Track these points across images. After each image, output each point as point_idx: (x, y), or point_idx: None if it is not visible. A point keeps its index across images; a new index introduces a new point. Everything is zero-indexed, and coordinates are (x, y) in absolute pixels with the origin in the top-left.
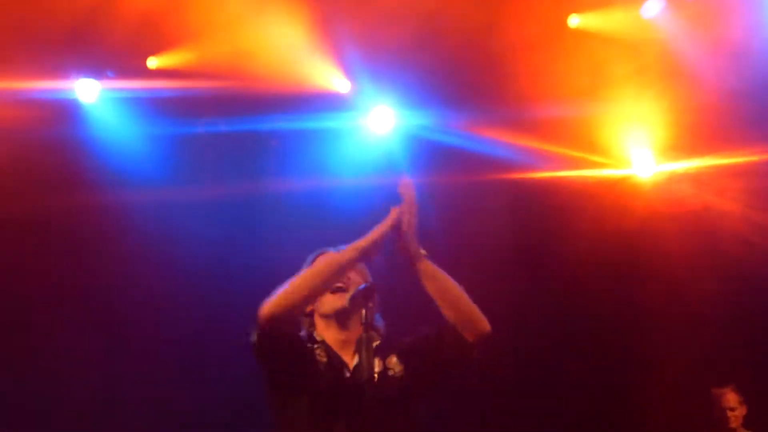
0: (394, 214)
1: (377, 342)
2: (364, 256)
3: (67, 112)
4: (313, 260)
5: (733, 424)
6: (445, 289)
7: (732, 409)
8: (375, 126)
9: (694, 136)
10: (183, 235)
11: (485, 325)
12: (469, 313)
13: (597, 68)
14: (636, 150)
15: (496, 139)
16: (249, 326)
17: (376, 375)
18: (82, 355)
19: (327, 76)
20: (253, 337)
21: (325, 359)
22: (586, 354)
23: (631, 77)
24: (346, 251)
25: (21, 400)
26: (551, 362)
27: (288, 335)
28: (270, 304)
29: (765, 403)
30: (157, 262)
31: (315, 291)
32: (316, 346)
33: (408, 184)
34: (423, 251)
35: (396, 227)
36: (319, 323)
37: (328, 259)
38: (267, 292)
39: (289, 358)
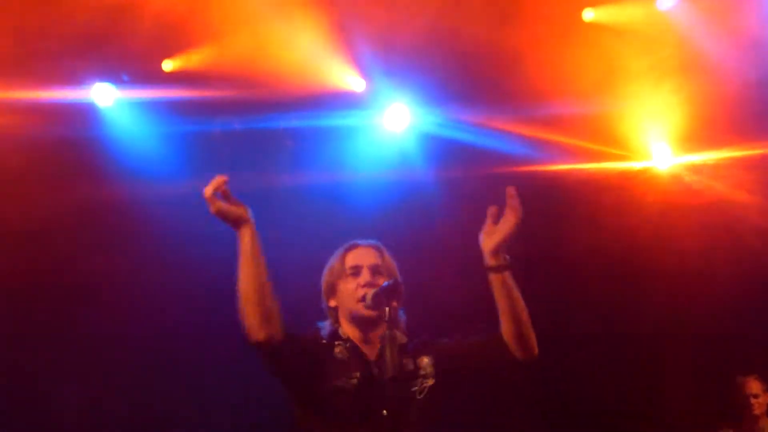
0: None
1: (403, 340)
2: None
3: (83, 116)
4: (343, 253)
5: (757, 411)
6: (515, 304)
7: (755, 396)
8: (390, 124)
9: (711, 127)
10: (199, 235)
11: (535, 347)
12: (527, 334)
13: (613, 62)
14: (653, 142)
15: (512, 135)
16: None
17: (405, 373)
18: (97, 350)
19: (342, 74)
20: (263, 364)
21: (347, 356)
22: (604, 346)
23: (648, 70)
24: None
25: (29, 398)
26: (568, 355)
27: (285, 344)
28: (250, 326)
29: None
30: (173, 262)
31: (254, 289)
32: (337, 343)
33: (514, 193)
34: (509, 260)
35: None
36: (343, 320)
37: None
38: (281, 289)
39: (300, 364)
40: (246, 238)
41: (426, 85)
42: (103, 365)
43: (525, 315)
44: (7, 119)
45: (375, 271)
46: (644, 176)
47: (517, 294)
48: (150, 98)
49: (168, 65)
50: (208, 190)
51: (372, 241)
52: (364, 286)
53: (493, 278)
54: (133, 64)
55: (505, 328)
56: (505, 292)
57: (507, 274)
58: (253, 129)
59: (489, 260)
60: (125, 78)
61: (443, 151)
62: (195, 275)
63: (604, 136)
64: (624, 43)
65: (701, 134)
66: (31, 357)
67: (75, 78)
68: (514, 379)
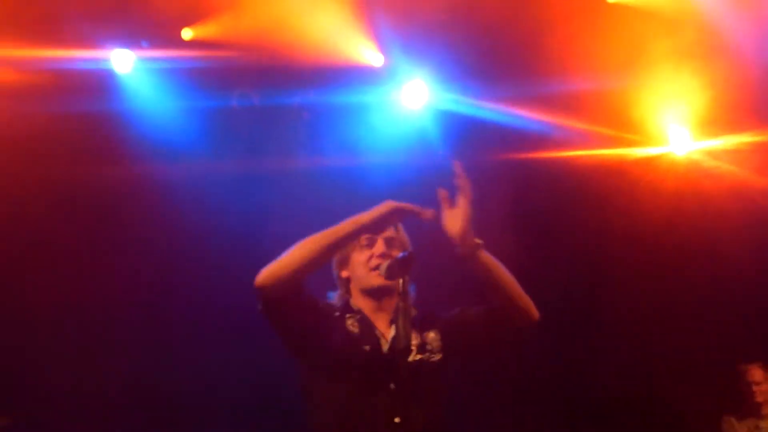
0: (388, 205)
1: (414, 313)
2: (363, 231)
3: (102, 82)
4: None
5: (760, 399)
6: (499, 278)
7: (758, 384)
8: (408, 100)
9: (731, 112)
10: (214, 207)
11: (534, 312)
12: (519, 299)
13: (634, 43)
14: (672, 127)
15: (530, 115)
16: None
17: (413, 348)
18: (118, 325)
19: (360, 49)
20: (259, 306)
21: (357, 329)
22: (615, 329)
23: (669, 53)
24: (346, 224)
25: (49, 378)
26: (585, 341)
27: (291, 303)
28: (263, 273)
29: None
30: (189, 234)
31: (309, 264)
32: (349, 315)
33: (460, 170)
34: (478, 241)
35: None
36: (355, 292)
37: (326, 231)
38: None
39: (302, 326)
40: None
41: (445, 61)
42: (117, 343)
43: (512, 285)
44: (25, 84)
45: (389, 243)
46: (661, 161)
47: (498, 268)
48: (169, 66)
49: (187, 33)
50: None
51: None
52: (379, 256)
53: (470, 264)
54: (153, 31)
55: (497, 303)
56: (485, 272)
57: (483, 255)
58: (271, 102)
59: (460, 249)
60: (144, 44)
61: (461, 129)
62: (210, 249)
63: (622, 120)
64: (646, 25)
65: (721, 118)
66: (48, 330)
67: (94, 43)
68: (519, 348)
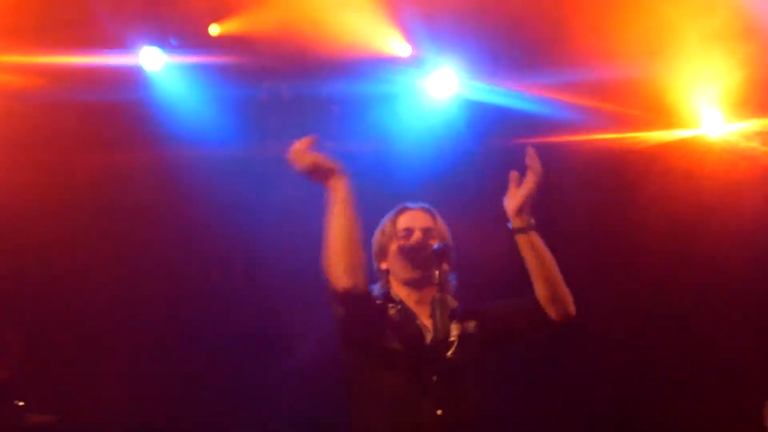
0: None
1: (453, 305)
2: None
3: (131, 80)
4: (395, 215)
5: None
6: (543, 262)
7: None
8: (436, 90)
9: (765, 92)
10: (246, 200)
11: (571, 307)
12: (560, 292)
13: (665, 26)
14: (703, 109)
15: (560, 102)
16: (323, 292)
17: (454, 339)
18: (141, 310)
19: (388, 40)
20: (333, 308)
21: (399, 319)
22: (647, 319)
23: (700, 34)
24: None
25: (76, 366)
26: (621, 328)
27: (364, 296)
28: (341, 275)
29: None
30: (219, 227)
31: (352, 241)
32: (391, 305)
33: (534, 153)
34: (533, 221)
35: None
36: (394, 282)
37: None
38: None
39: (365, 317)
40: (341, 189)
41: (472, 50)
42: (145, 330)
43: (556, 275)
44: (55, 84)
45: (427, 233)
46: (694, 144)
47: (546, 254)
48: (197, 62)
49: (214, 29)
50: (302, 144)
51: (423, 205)
52: (417, 247)
53: (519, 240)
54: (181, 28)
55: (537, 289)
56: (532, 253)
57: (533, 235)
58: (300, 94)
59: (513, 222)
60: (173, 42)
61: (490, 117)
62: (239, 241)
63: (652, 103)
64: (676, 7)
65: (754, 99)
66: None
67: (123, 42)
68: (556, 342)
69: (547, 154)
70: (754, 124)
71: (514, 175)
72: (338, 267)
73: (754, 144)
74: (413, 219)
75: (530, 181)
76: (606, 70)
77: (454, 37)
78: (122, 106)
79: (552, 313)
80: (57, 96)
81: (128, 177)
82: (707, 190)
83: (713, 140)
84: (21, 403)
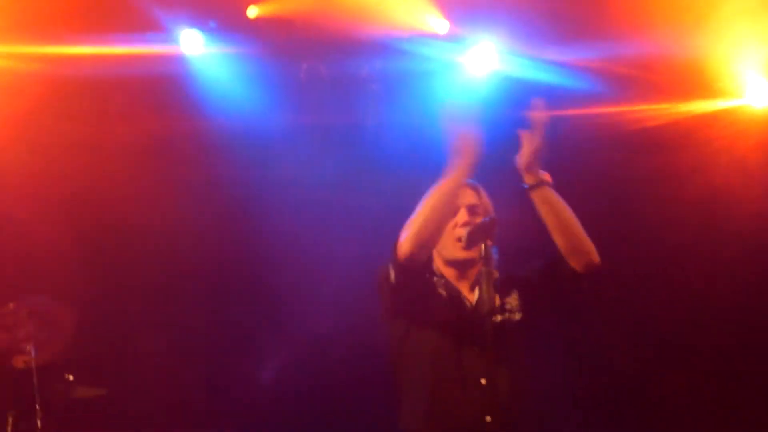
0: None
1: (496, 276)
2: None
3: (171, 63)
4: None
5: None
6: (559, 214)
7: None
8: (474, 66)
9: None
10: (290, 180)
11: (595, 256)
12: (580, 242)
13: None
14: (749, 78)
15: (601, 74)
16: (385, 263)
17: (497, 311)
18: (190, 288)
19: (426, 16)
20: (391, 276)
21: (445, 293)
22: (680, 294)
23: (745, 2)
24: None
25: (119, 342)
26: (659, 304)
27: (423, 269)
28: (409, 243)
29: None
30: (264, 209)
31: (441, 221)
32: (436, 278)
33: (539, 105)
34: (547, 177)
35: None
36: (438, 259)
37: (442, 187)
38: (368, 230)
39: (417, 290)
40: (464, 174)
41: (510, 25)
42: (189, 306)
43: (573, 228)
44: (97, 68)
45: (472, 210)
46: (737, 114)
47: (562, 208)
48: (236, 44)
49: (252, 11)
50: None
51: (469, 180)
52: (462, 225)
53: (534, 197)
54: (220, 10)
55: (557, 243)
56: (548, 208)
57: (546, 190)
58: (338, 73)
59: (525, 179)
60: (212, 24)
61: (529, 92)
62: (277, 222)
63: (695, 74)
64: None
65: None
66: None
67: (163, 25)
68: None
69: (588, 126)
70: None
71: (522, 133)
72: (421, 236)
73: None
74: (459, 196)
75: (535, 136)
76: (647, 42)
77: (493, 13)
78: (160, 89)
79: (575, 264)
80: (95, 79)
81: (174, 149)
82: (751, 160)
83: (757, 110)
84: (71, 377)
